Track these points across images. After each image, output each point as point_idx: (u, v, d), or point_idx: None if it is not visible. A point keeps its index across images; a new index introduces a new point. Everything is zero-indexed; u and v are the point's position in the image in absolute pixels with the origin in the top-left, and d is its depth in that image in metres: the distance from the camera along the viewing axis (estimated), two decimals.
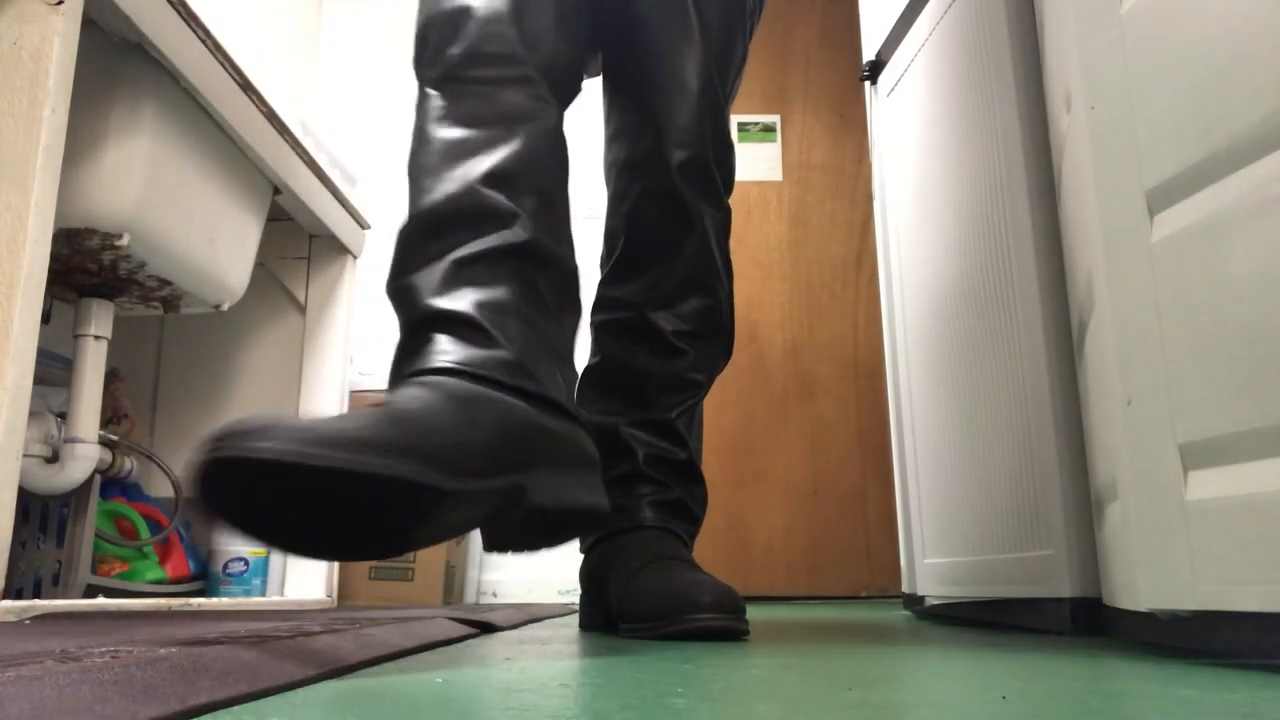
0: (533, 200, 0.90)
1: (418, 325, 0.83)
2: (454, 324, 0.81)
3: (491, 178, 0.88)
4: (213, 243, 1.46)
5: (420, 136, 0.93)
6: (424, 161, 0.91)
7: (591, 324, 1.23)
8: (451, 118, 0.93)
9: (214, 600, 1.52)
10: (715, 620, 0.95)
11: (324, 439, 0.60)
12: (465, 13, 0.96)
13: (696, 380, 1.18)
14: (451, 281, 0.84)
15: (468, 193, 0.88)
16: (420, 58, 0.98)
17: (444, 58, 0.95)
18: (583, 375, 1.21)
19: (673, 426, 1.16)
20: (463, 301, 0.82)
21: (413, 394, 0.73)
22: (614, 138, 1.22)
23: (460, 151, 0.90)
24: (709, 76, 1.18)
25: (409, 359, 0.81)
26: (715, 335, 1.21)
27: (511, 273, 0.86)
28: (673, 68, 1.16)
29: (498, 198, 0.88)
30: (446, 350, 0.79)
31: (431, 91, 0.95)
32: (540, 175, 0.93)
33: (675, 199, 1.16)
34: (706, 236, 1.18)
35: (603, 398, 1.18)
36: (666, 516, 1.12)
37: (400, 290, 0.86)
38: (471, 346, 0.80)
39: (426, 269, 0.85)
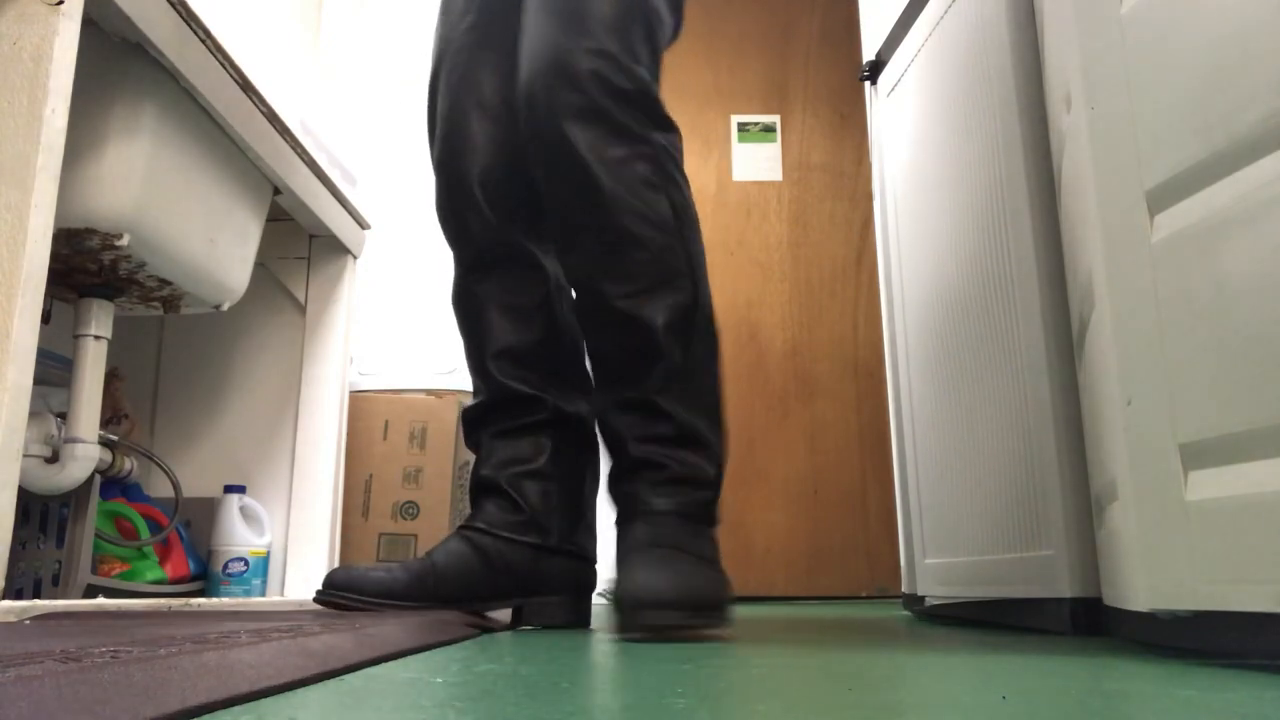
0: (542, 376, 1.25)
1: (473, 488, 1.26)
2: (491, 491, 1.22)
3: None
4: (213, 243, 1.46)
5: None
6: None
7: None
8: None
9: (214, 600, 1.52)
10: (662, 618, 0.91)
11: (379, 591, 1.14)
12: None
13: (670, 353, 1.09)
14: (490, 453, 1.24)
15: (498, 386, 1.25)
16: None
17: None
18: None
19: (652, 403, 1.09)
20: (500, 472, 1.22)
21: (451, 548, 1.19)
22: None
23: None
24: (587, 38, 1.09)
25: (472, 511, 1.24)
26: (669, 287, 1.09)
27: (534, 441, 1.23)
28: (546, 39, 1.11)
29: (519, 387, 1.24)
30: (486, 513, 1.20)
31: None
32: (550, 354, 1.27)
33: (543, 136, 1.08)
34: (597, 183, 1.06)
35: (601, 393, 1.17)
36: (668, 493, 1.07)
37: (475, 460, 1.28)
38: (500, 512, 1.20)
39: (478, 443, 1.27)
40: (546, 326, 1.28)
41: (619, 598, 0.97)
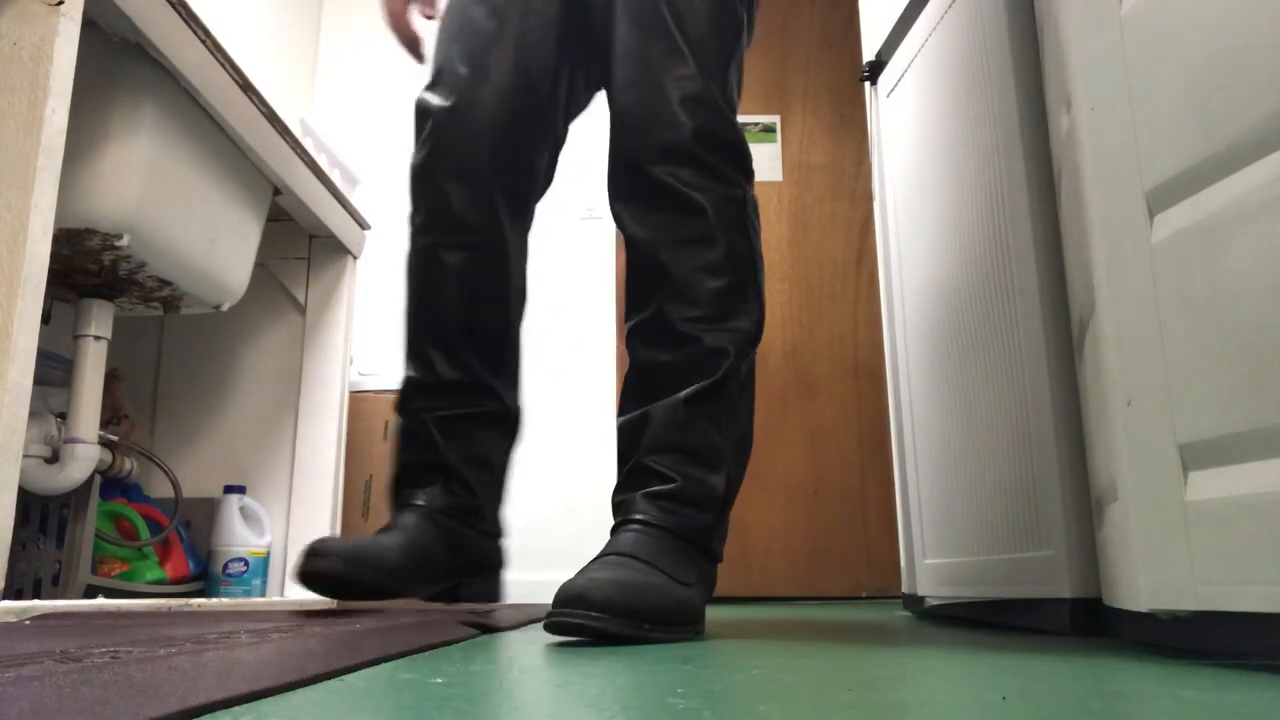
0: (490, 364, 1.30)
1: (423, 466, 1.26)
2: (447, 474, 1.26)
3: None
4: (213, 243, 1.46)
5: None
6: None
7: (627, 333, 1.20)
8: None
9: (214, 600, 1.52)
10: (569, 617, 0.87)
11: (357, 559, 1.12)
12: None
13: (714, 358, 1.11)
14: (447, 436, 1.26)
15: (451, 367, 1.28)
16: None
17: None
18: (622, 386, 1.19)
19: (680, 408, 1.09)
20: (460, 460, 1.26)
21: (409, 522, 1.21)
22: (610, 150, 1.21)
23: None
24: (687, 68, 1.17)
25: (412, 488, 1.25)
26: (735, 315, 1.14)
27: (489, 435, 1.30)
28: (648, 66, 1.17)
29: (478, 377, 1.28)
30: (433, 493, 1.25)
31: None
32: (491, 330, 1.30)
33: (660, 186, 1.14)
34: (707, 219, 1.13)
35: (633, 403, 1.14)
36: (665, 507, 1.06)
37: (408, 429, 1.28)
38: (450, 496, 1.25)
39: (427, 418, 1.27)
40: (503, 316, 1.30)
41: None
